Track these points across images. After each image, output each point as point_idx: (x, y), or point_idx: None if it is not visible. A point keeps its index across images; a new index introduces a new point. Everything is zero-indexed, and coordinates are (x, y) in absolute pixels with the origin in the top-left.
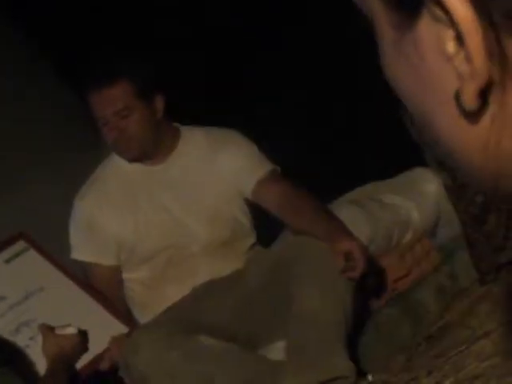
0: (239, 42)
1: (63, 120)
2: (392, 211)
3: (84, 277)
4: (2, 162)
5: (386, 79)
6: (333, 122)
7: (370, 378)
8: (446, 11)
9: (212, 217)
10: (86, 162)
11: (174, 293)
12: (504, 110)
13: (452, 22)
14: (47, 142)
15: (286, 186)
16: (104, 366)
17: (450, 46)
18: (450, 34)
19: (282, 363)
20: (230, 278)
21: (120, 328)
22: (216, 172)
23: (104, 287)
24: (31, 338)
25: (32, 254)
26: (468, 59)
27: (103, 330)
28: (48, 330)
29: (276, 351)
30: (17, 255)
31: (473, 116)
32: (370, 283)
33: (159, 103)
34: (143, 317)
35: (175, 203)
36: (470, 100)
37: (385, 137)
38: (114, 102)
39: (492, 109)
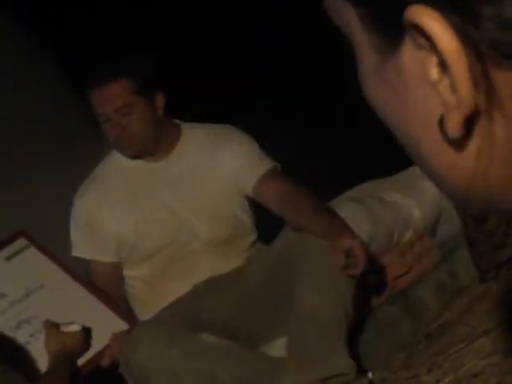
0: (239, 41)
1: (63, 118)
2: (393, 209)
3: (85, 274)
4: (2, 160)
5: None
6: (333, 120)
7: (370, 375)
8: (430, 40)
9: (213, 214)
10: (86, 160)
11: (175, 290)
12: (491, 140)
13: (436, 51)
14: (47, 140)
15: (286, 183)
16: (104, 362)
17: (434, 73)
18: (433, 60)
19: (283, 360)
20: (231, 276)
21: (120, 325)
22: (217, 169)
23: (104, 284)
24: (32, 335)
25: (32, 251)
26: (453, 88)
27: (104, 327)
28: (52, 326)
29: (277, 348)
30: (17, 253)
31: (458, 143)
32: (370, 281)
33: (160, 100)
34: (144, 314)
35: (176, 200)
36: (454, 128)
37: (385, 134)
38: (115, 99)
39: (478, 138)
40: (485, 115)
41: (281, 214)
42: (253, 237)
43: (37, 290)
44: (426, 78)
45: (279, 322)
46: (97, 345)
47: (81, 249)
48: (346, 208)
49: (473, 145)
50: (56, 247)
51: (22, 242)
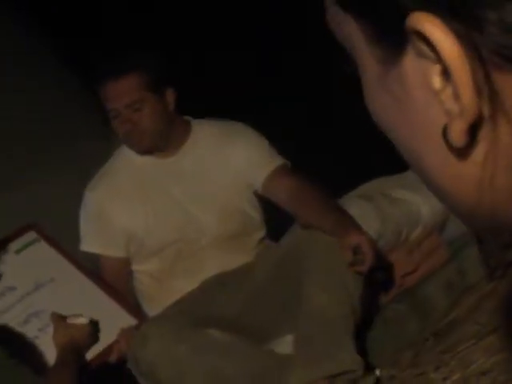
0: (239, 41)
1: (74, 110)
2: (401, 206)
3: (94, 269)
4: (12, 153)
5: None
6: (333, 120)
7: (377, 372)
8: (432, 47)
9: (222, 210)
10: (96, 154)
11: (183, 286)
12: (496, 146)
13: (438, 58)
14: (59, 134)
15: (295, 179)
16: (113, 358)
17: (437, 82)
18: (436, 68)
19: (290, 357)
20: (239, 272)
21: (129, 320)
22: (226, 165)
23: (113, 279)
24: (40, 329)
25: (42, 244)
26: (455, 96)
27: (112, 322)
28: (59, 319)
29: (284, 345)
30: (27, 246)
31: (462, 152)
32: (378, 278)
33: (170, 96)
34: (152, 309)
35: (185, 196)
36: (458, 137)
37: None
38: (126, 94)
39: (483, 145)
40: (489, 122)
41: (290, 211)
42: (261, 233)
43: (46, 283)
44: (428, 87)
45: (287, 319)
46: (105, 340)
47: (90, 243)
48: (355, 205)
49: (477, 153)
50: (65, 240)
51: (31, 235)
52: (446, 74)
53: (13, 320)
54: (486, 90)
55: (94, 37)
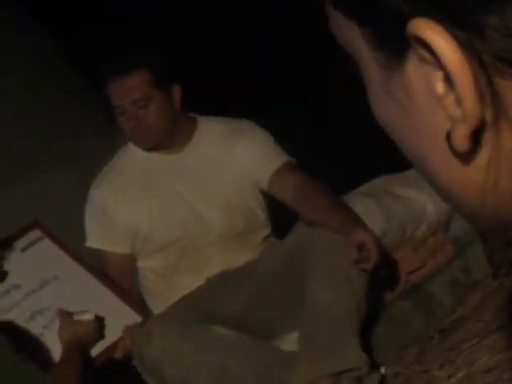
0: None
1: (77, 109)
2: (406, 204)
3: (98, 266)
4: (16, 151)
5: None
6: (333, 120)
7: (382, 369)
8: (433, 53)
9: (227, 207)
10: (100, 151)
11: (188, 283)
12: (499, 151)
13: (440, 64)
14: (61, 131)
15: (301, 177)
16: (118, 355)
17: (440, 87)
18: (438, 74)
19: (295, 354)
20: (244, 270)
21: (134, 317)
22: (232, 162)
23: (118, 276)
24: (45, 327)
25: (47, 242)
26: (458, 101)
27: (117, 318)
28: (65, 315)
29: (289, 342)
30: (32, 244)
31: (466, 157)
32: (383, 275)
33: (176, 93)
34: (156, 306)
35: (190, 193)
36: (462, 142)
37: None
38: (132, 91)
39: (487, 149)
40: (492, 127)
41: (295, 208)
42: (266, 231)
43: (51, 281)
44: (431, 92)
45: (292, 316)
46: (110, 337)
47: (95, 240)
48: (359, 203)
49: (481, 158)
50: (70, 237)
51: (36, 233)
52: (448, 79)
53: (18, 317)
54: (489, 95)
55: (98, 34)
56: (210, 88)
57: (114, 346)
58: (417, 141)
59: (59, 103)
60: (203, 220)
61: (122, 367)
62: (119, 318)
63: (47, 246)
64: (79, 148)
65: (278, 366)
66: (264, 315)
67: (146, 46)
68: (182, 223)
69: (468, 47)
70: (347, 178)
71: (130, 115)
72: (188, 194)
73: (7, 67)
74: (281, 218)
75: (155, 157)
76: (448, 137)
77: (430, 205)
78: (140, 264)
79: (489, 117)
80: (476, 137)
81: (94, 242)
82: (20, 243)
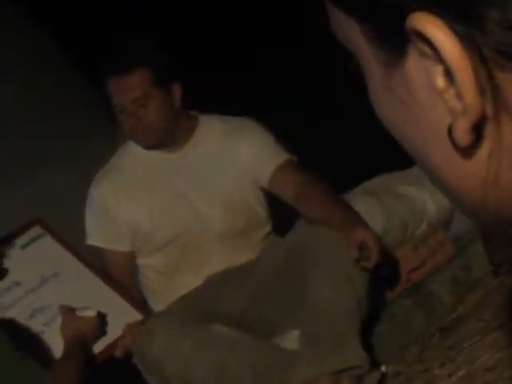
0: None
1: (77, 108)
2: (407, 202)
3: (99, 264)
4: (16, 150)
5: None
6: (339, 118)
7: (383, 368)
8: (433, 48)
9: (227, 205)
10: (100, 150)
11: (189, 281)
12: (500, 144)
13: (440, 59)
14: (62, 130)
15: (301, 175)
16: (118, 353)
17: (440, 82)
18: (438, 69)
19: (296, 353)
20: (245, 268)
21: (134, 315)
22: (232, 160)
23: (118, 274)
24: (45, 324)
25: (48, 239)
26: (459, 96)
27: (118, 316)
28: (68, 311)
29: (290, 341)
30: (32, 241)
31: (467, 151)
32: (384, 274)
33: (176, 92)
34: (157, 304)
35: (191, 191)
36: (463, 136)
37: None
38: (132, 89)
39: (487, 143)
40: (492, 121)
41: (295, 206)
42: (267, 229)
43: (51, 278)
44: (432, 86)
45: (292, 315)
46: (111, 335)
47: (95, 237)
48: (360, 201)
49: (482, 152)
50: (70, 235)
51: (37, 230)
52: (448, 73)
53: (18, 315)
54: (489, 89)
55: (98, 33)
56: (210, 88)
57: (114, 344)
58: (418, 136)
59: (59, 102)
60: (204, 218)
61: (122, 365)
62: (120, 316)
63: (48, 243)
64: (79, 147)
65: (279, 364)
66: (265, 313)
67: (146, 45)
68: (182, 221)
69: (468, 41)
70: (348, 176)
71: (130, 114)
72: (189, 192)
73: (7, 67)
74: (281, 215)
75: (156, 155)
76: (449, 131)
77: (430, 203)
78: (141, 262)
79: (489, 110)
80: (477, 131)
81: (94, 239)
82: (20, 240)
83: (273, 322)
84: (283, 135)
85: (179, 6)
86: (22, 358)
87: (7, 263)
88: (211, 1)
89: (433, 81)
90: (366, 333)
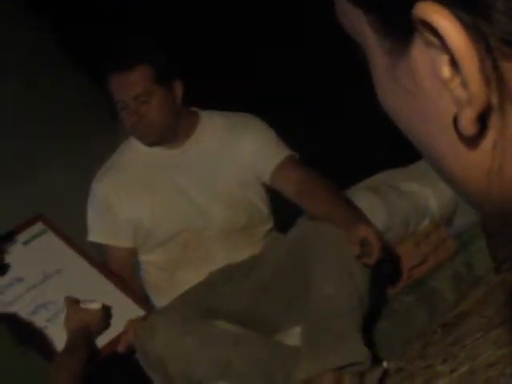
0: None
1: (78, 106)
2: (409, 199)
3: (101, 260)
4: (18, 148)
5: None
6: (347, 109)
7: (385, 364)
8: (439, 37)
9: (229, 201)
10: (101, 146)
11: (190, 277)
12: (504, 134)
13: (446, 48)
14: (65, 128)
15: (303, 171)
16: (120, 348)
17: (446, 71)
18: (444, 58)
19: (298, 349)
20: (247, 264)
21: (136, 311)
22: (234, 157)
23: (120, 270)
24: (48, 320)
25: (50, 236)
26: (464, 85)
27: (120, 312)
28: (73, 303)
29: (292, 337)
30: (35, 237)
31: (472, 141)
32: (385, 270)
33: (178, 89)
34: (159, 300)
35: (192, 187)
36: (468, 125)
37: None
38: (133, 86)
39: (492, 133)
40: (497, 111)
41: (297, 202)
42: (269, 225)
43: (54, 274)
44: (437, 76)
45: (294, 311)
46: (113, 330)
47: (97, 234)
48: (362, 197)
49: (487, 142)
50: (72, 231)
51: (39, 226)
52: (454, 63)
53: (21, 310)
54: (494, 79)
55: (99, 32)
56: (210, 88)
57: (116, 340)
58: (423, 126)
59: (60, 101)
60: (205, 214)
61: (124, 361)
62: (122, 312)
63: (50, 240)
64: (80, 145)
65: (281, 360)
66: (266, 310)
67: (147, 43)
68: (184, 218)
69: (474, 30)
70: (349, 174)
71: (132, 110)
72: (190, 189)
73: (7, 67)
74: (283, 212)
75: (157, 151)
76: (454, 121)
77: (432, 199)
78: (142, 258)
79: (495, 100)
80: (482, 121)
81: (95, 236)
82: (22, 236)
83: (274, 318)
84: (283, 134)
85: (181, 4)
86: (24, 351)
87: (9, 259)
88: (211, 1)
89: (438, 70)
90: (367, 329)
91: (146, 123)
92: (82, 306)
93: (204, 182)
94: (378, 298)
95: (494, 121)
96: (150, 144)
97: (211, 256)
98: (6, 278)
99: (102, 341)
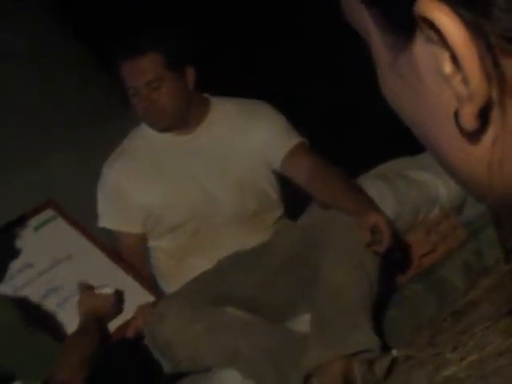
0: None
1: (89, 91)
2: (419, 187)
3: (111, 246)
4: (30, 134)
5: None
6: (357, 97)
7: (394, 352)
8: (440, 34)
9: (239, 188)
10: (112, 132)
11: (200, 264)
12: (505, 130)
13: (447, 45)
14: (74, 113)
15: (314, 159)
16: (130, 334)
17: (447, 67)
18: (445, 55)
19: (307, 336)
20: (256, 251)
21: (146, 297)
22: (245, 143)
23: (130, 256)
24: (58, 305)
25: (60, 221)
26: (465, 81)
27: (129, 298)
28: (86, 288)
29: (301, 324)
30: (45, 223)
31: (473, 136)
32: (395, 258)
33: (190, 75)
34: (168, 286)
35: (203, 173)
36: (469, 121)
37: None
38: (145, 72)
39: (493, 129)
40: (498, 106)
41: (308, 190)
42: (279, 212)
43: (64, 260)
44: (439, 72)
45: (304, 299)
46: (123, 316)
47: (108, 220)
48: (372, 185)
49: (487, 137)
50: (83, 219)
51: (49, 212)
52: (455, 59)
53: (31, 295)
54: (495, 75)
55: (111, 18)
56: (210, 88)
57: (126, 325)
58: (426, 121)
59: (72, 86)
60: (215, 200)
61: (133, 346)
62: (132, 298)
63: (60, 225)
64: (92, 130)
65: (291, 347)
66: (276, 297)
67: (160, 29)
68: (194, 203)
69: (475, 28)
70: (358, 162)
71: (143, 97)
72: (201, 175)
73: (20, 55)
74: (293, 198)
75: (168, 137)
76: (455, 116)
77: (443, 188)
78: (152, 244)
79: (495, 96)
80: (483, 116)
81: (106, 222)
82: (33, 222)
83: (284, 305)
84: (293, 121)
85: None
86: (34, 332)
87: (20, 245)
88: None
89: (440, 66)
90: (377, 317)
91: (158, 109)
92: (96, 291)
93: (215, 168)
94: (388, 286)
95: (494, 116)
96: (162, 130)
97: (221, 242)
98: (17, 263)
99: (111, 326)
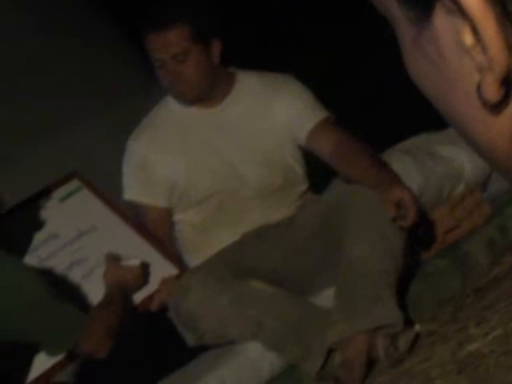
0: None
1: (115, 63)
2: (444, 163)
3: (136, 219)
4: (58, 105)
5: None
6: (382, 72)
7: (417, 327)
8: (457, 4)
9: (264, 162)
10: (138, 105)
11: (224, 237)
12: None
13: (466, 15)
14: (100, 85)
15: (339, 134)
16: (154, 306)
17: (468, 39)
18: (465, 25)
19: (330, 311)
20: (281, 225)
21: (170, 270)
22: (270, 117)
23: (155, 229)
24: (83, 277)
25: (85, 193)
26: (485, 51)
27: (154, 271)
28: (113, 259)
29: (324, 299)
30: (70, 194)
31: (496, 108)
32: (420, 234)
33: (216, 48)
34: (192, 259)
35: (228, 147)
36: (491, 91)
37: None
38: (171, 45)
39: None
40: None
41: (333, 164)
42: (304, 186)
43: (88, 231)
44: (460, 44)
45: (327, 273)
46: (147, 288)
47: (133, 192)
48: (398, 160)
49: (509, 109)
50: (107, 192)
51: (75, 183)
52: (476, 30)
53: (56, 267)
54: None
55: None
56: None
57: (150, 298)
58: (447, 95)
59: (98, 58)
60: (240, 174)
61: (157, 318)
62: (156, 270)
63: (86, 197)
64: (117, 102)
65: (314, 321)
66: (300, 271)
67: (186, 1)
68: (218, 178)
69: None
70: (384, 137)
71: (169, 69)
72: (226, 148)
73: (46, 27)
74: (319, 173)
75: (193, 111)
76: (477, 88)
77: (468, 164)
78: (177, 218)
79: None
80: (504, 87)
81: (131, 194)
82: (58, 193)
83: (307, 279)
84: (319, 96)
85: None
86: (59, 302)
87: (45, 215)
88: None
89: (460, 38)
90: (400, 292)
91: (184, 81)
92: (122, 262)
93: (240, 141)
94: (412, 261)
95: None
96: (188, 102)
97: (246, 216)
98: (42, 234)
99: (136, 298)
